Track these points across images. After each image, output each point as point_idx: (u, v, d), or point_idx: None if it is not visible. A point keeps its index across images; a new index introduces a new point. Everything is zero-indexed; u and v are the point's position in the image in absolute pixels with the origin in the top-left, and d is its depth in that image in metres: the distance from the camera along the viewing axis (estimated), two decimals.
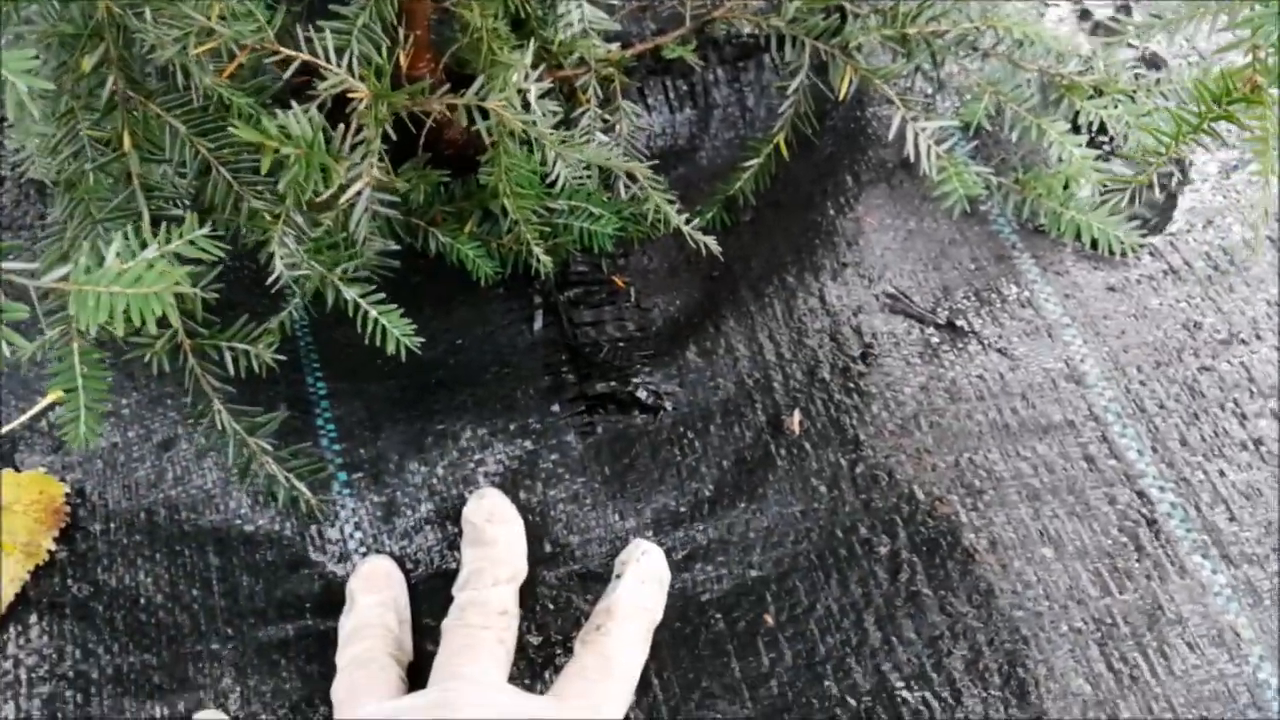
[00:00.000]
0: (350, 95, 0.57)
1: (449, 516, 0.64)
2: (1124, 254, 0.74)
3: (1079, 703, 0.59)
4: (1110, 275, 0.74)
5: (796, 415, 0.68)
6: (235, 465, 0.63)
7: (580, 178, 0.67)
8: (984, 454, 0.67)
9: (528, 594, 0.62)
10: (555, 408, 0.68)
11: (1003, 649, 0.60)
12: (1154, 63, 0.84)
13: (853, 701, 0.59)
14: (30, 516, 0.63)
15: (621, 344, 0.71)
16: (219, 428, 0.61)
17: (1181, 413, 0.68)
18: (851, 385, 0.69)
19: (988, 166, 0.73)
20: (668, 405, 0.68)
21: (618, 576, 0.61)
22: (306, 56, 0.55)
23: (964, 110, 0.78)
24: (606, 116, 0.72)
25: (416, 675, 0.59)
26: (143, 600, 0.62)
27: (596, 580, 0.63)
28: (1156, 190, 0.76)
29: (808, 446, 0.67)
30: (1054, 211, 0.73)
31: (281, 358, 0.62)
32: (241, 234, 0.61)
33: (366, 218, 0.63)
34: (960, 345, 0.71)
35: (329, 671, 0.59)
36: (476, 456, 0.66)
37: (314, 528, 0.64)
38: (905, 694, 0.59)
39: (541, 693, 0.58)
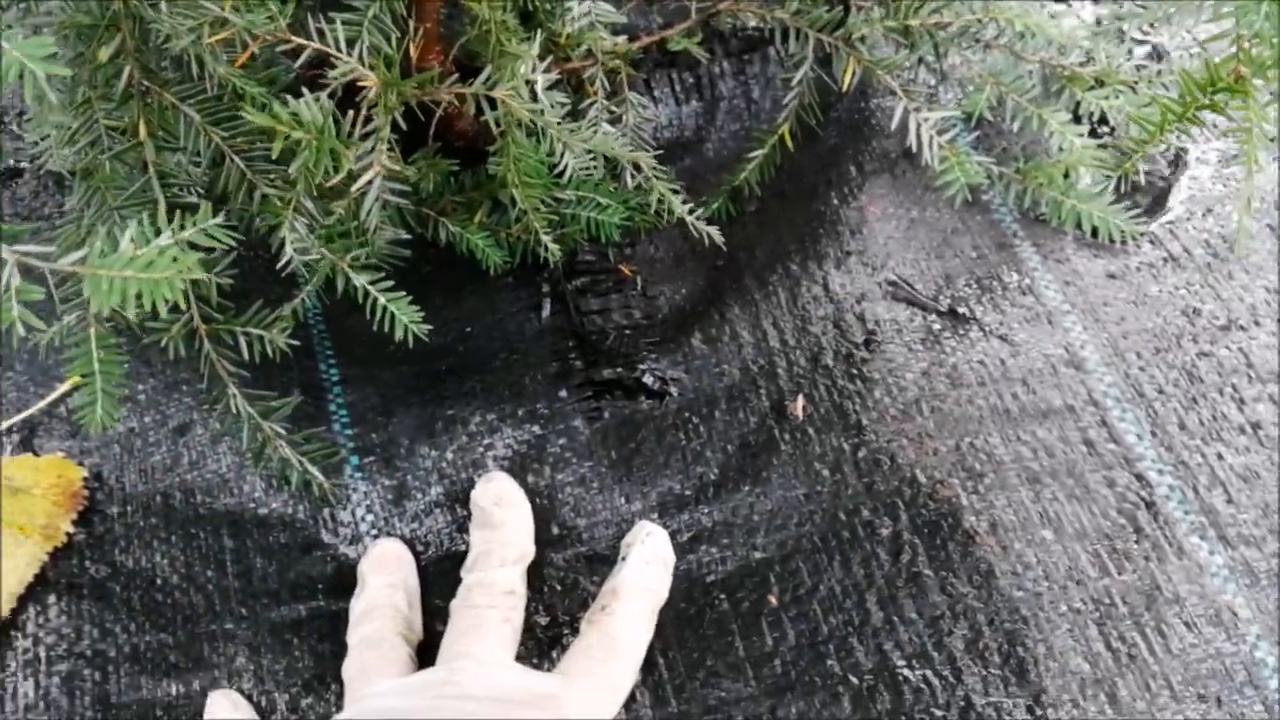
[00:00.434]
0: (360, 84, 0.58)
1: (458, 500, 0.66)
2: (1124, 242, 0.75)
3: (1077, 681, 0.60)
4: (1110, 263, 0.75)
5: (800, 400, 0.69)
6: (250, 450, 0.65)
7: (587, 168, 0.68)
8: (985, 438, 0.68)
9: (535, 575, 0.63)
10: (563, 393, 0.69)
11: (1002, 628, 0.61)
12: (1157, 54, 0.85)
13: (855, 680, 0.60)
14: (49, 500, 0.65)
15: (628, 331, 0.72)
16: (234, 412, 0.63)
17: (1180, 397, 0.69)
18: (854, 371, 0.70)
19: (989, 156, 0.74)
20: (673, 391, 0.69)
21: (623, 558, 0.62)
22: (318, 46, 0.56)
23: (966, 101, 0.79)
24: (613, 108, 0.73)
25: (426, 655, 0.60)
26: (159, 581, 0.63)
27: (603, 562, 0.64)
28: (1142, 177, 0.77)
29: (811, 431, 0.68)
30: (1054, 200, 0.74)
31: (295, 343, 0.64)
32: (255, 222, 0.62)
33: (377, 206, 0.64)
34: (962, 332, 0.72)
35: (340, 651, 0.60)
36: (485, 441, 0.67)
37: (326, 511, 0.65)
38: (907, 672, 0.60)
39: (548, 671, 0.59)
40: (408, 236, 0.68)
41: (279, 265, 0.61)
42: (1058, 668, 0.60)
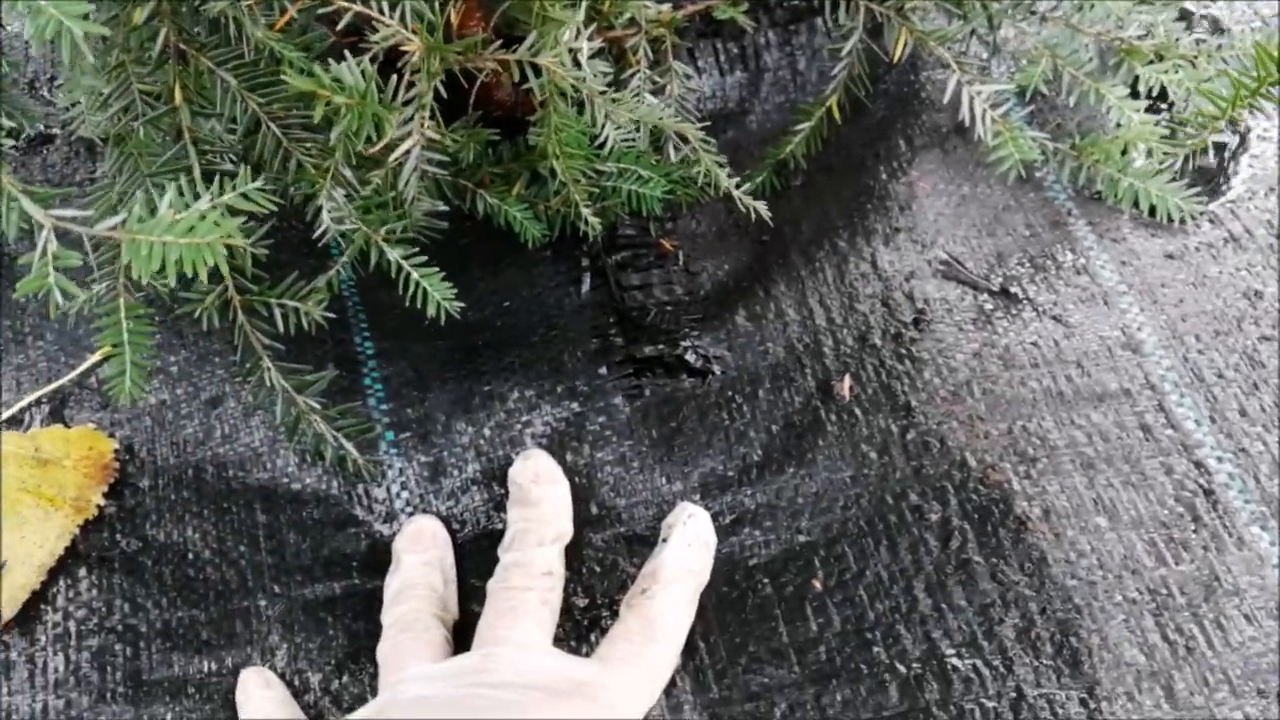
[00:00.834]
0: (402, 49, 0.56)
1: (495, 477, 0.64)
2: (1182, 221, 0.73)
3: (1132, 673, 0.58)
4: (1168, 243, 0.73)
5: (847, 380, 0.67)
6: (283, 423, 0.63)
7: (629, 140, 0.66)
8: (1038, 422, 0.66)
9: (574, 556, 0.61)
10: (602, 370, 0.67)
11: (1055, 618, 0.60)
12: (1218, 28, 0.82)
13: (902, 668, 0.58)
14: (80, 472, 0.64)
15: (669, 307, 0.70)
16: (267, 385, 0.61)
17: (1241, 382, 0.67)
18: (903, 351, 0.68)
19: (1043, 132, 0.72)
20: (716, 369, 0.68)
21: (664, 540, 0.61)
22: (360, 8, 0.54)
23: (1020, 75, 0.77)
24: (656, 78, 0.71)
25: (462, 635, 0.59)
26: (190, 556, 0.62)
27: (643, 543, 0.62)
28: (1211, 155, 0.74)
29: (858, 412, 0.66)
30: (1111, 178, 0.72)
31: (331, 315, 0.62)
32: (290, 192, 0.61)
33: (415, 176, 0.63)
34: (1014, 312, 0.70)
35: (375, 630, 0.59)
36: (523, 418, 0.66)
37: (360, 487, 0.64)
38: (955, 661, 0.58)
39: (586, 655, 0.58)
40: (445, 208, 0.66)
41: (314, 236, 0.59)
42: (1112, 659, 0.58)
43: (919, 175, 0.76)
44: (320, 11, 0.56)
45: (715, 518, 0.62)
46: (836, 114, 0.73)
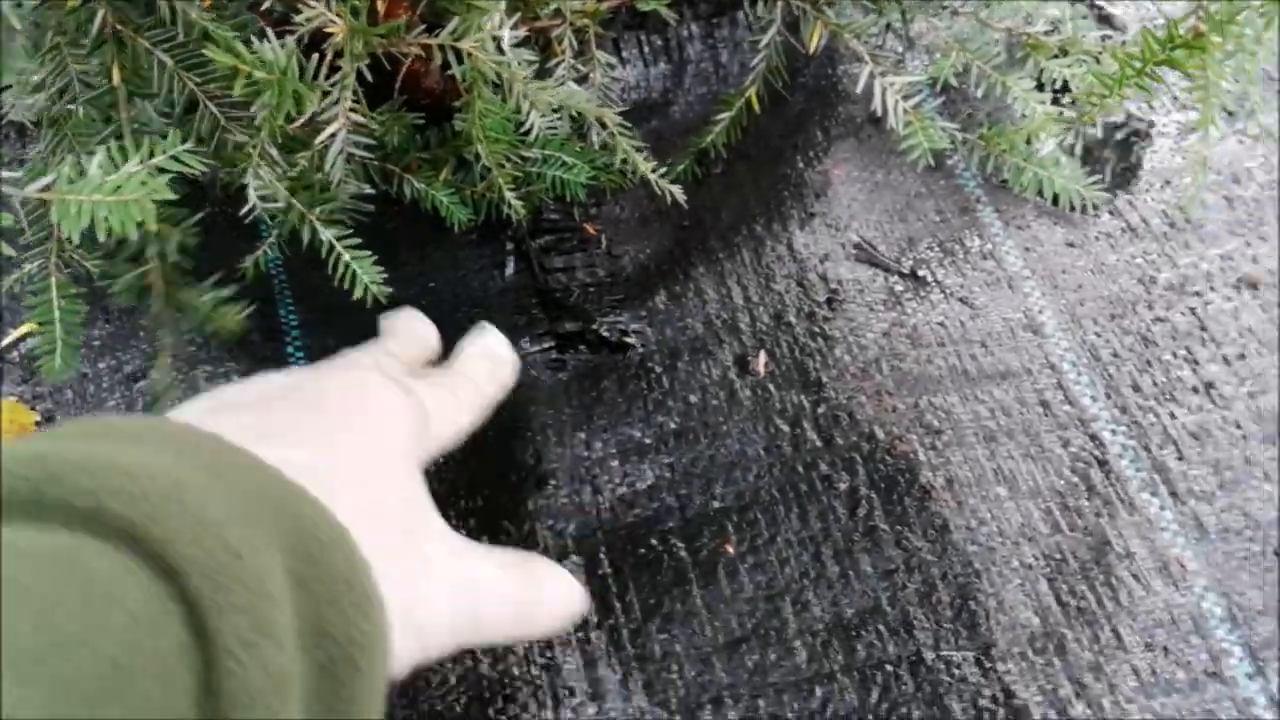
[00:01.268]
0: (327, 31, 0.58)
1: None
2: (1084, 210, 0.76)
3: (1027, 634, 0.61)
4: (1070, 232, 0.76)
5: (762, 356, 0.70)
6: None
7: (553, 126, 0.68)
8: (943, 397, 0.68)
9: (492, 523, 0.63)
10: (525, 343, 0.69)
11: (955, 583, 0.62)
12: (1117, 25, 0.86)
13: (809, 631, 0.61)
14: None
15: (592, 289, 0.73)
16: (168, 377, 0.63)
17: (1135, 360, 0.70)
18: (816, 329, 0.71)
19: (954, 122, 0.74)
20: (636, 344, 0.70)
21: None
22: None
23: (932, 67, 0.80)
24: (580, 67, 0.73)
25: None
26: None
27: (562, 512, 0.64)
28: (1100, 131, 0.78)
29: (772, 386, 0.68)
30: (1017, 167, 0.75)
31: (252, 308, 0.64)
32: (219, 176, 0.62)
33: (341, 159, 0.64)
34: (923, 294, 0.73)
35: None
36: None
37: None
38: (860, 626, 0.61)
39: None
40: (372, 191, 0.68)
41: (242, 213, 0.61)
42: (1008, 621, 0.61)
43: (834, 163, 0.78)
44: None
45: (633, 483, 0.65)
46: (756, 105, 0.75)
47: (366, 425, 0.47)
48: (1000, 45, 0.75)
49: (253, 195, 0.61)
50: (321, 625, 0.33)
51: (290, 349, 0.69)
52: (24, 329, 0.69)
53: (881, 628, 0.61)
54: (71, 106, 0.59)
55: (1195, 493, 0.65)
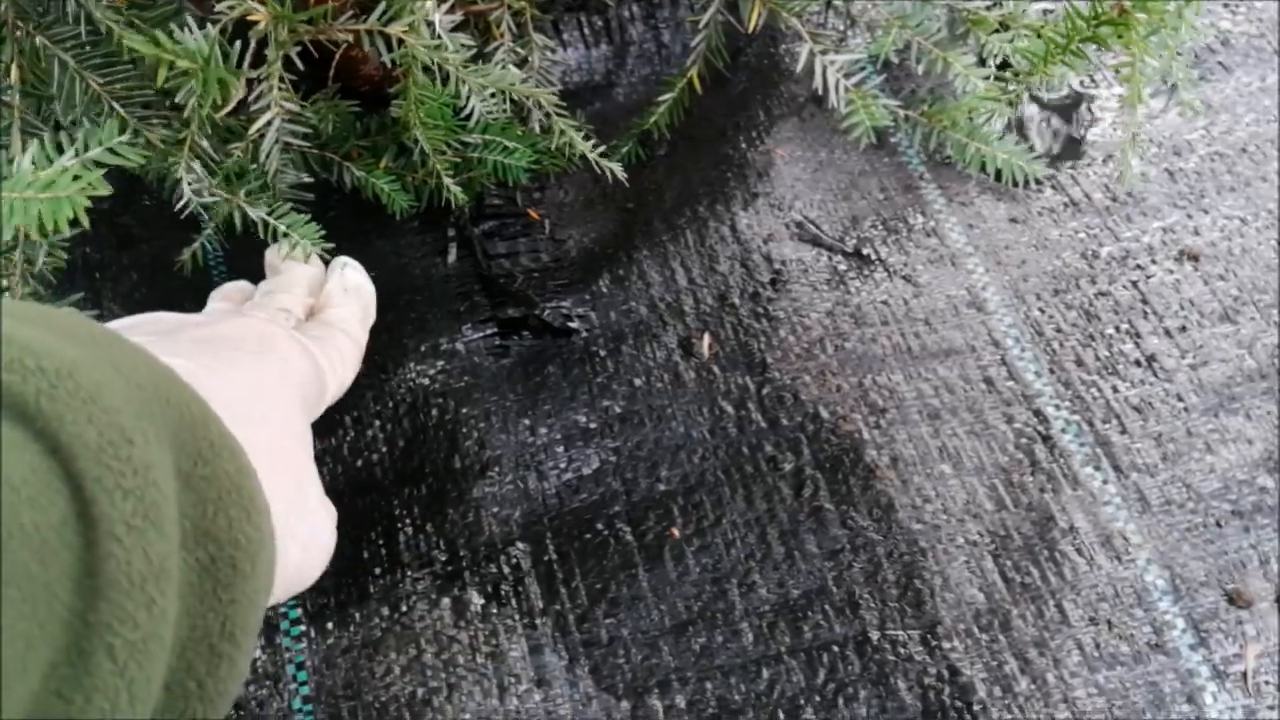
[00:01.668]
0: (250, 19, 0.57)
1: (361, 432, 0.65)
2: (1026, 185, 0.76)
3: (972, 611, 0.61)
4: (1012, 208, 0.76)
5: (707, 338, 0.69)
6: None
7: (493, 111, 0.68)
8: (887, 375, 0.68)
9: (436, 510, 0.63)
10: (467, 329, 0.69)
11: (900, 562, 0.62)
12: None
13: (756, 613, 0.61)
14: None
15: (535, 274, 0.72)
16: None
17: (1078, 335, 0.70)
18: (760, 310, 0.71)
19: (896, 100, 0.75)
20: (580, 328, 0.70)
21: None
22: None
23: (873, 45, 0.80)
24: (519, 50, 0.72)
25: None
26: None
27: (507, 499, 0.64)
28: (1049, 124, 0.78)
29: (716, 369, 0.68)
30: (959, 143, 0.75)
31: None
32: (145, 168, 0.61)
33: (277, 149, 0.63)
34: (866, 272, 0.72)
35: None
36: (388, 376, 0.67)
37: None
38: (806, 607, 0.61)
39: (437, 618, 0.59)
40: (310, 180, 0.68)
41: (176, 209, 0.60)
42: (954, 599, 0.61)
43: (777, 143, 0.78)
44: None
45: (578, 467, 0.64)
46: (698, 85, 0.75)
47: (268, 368, 0.48)
48: (941, 21, 0.75)
49: (186, 190, 0.60)
50: (205, 525, 0.33)
51: None
52: None
53: (828, 608, 0.61)
54: None
55: (1138, 466, 0.65)
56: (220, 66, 0.53)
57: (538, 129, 0.72)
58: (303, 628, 0.60)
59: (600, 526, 0.63)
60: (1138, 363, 0.69)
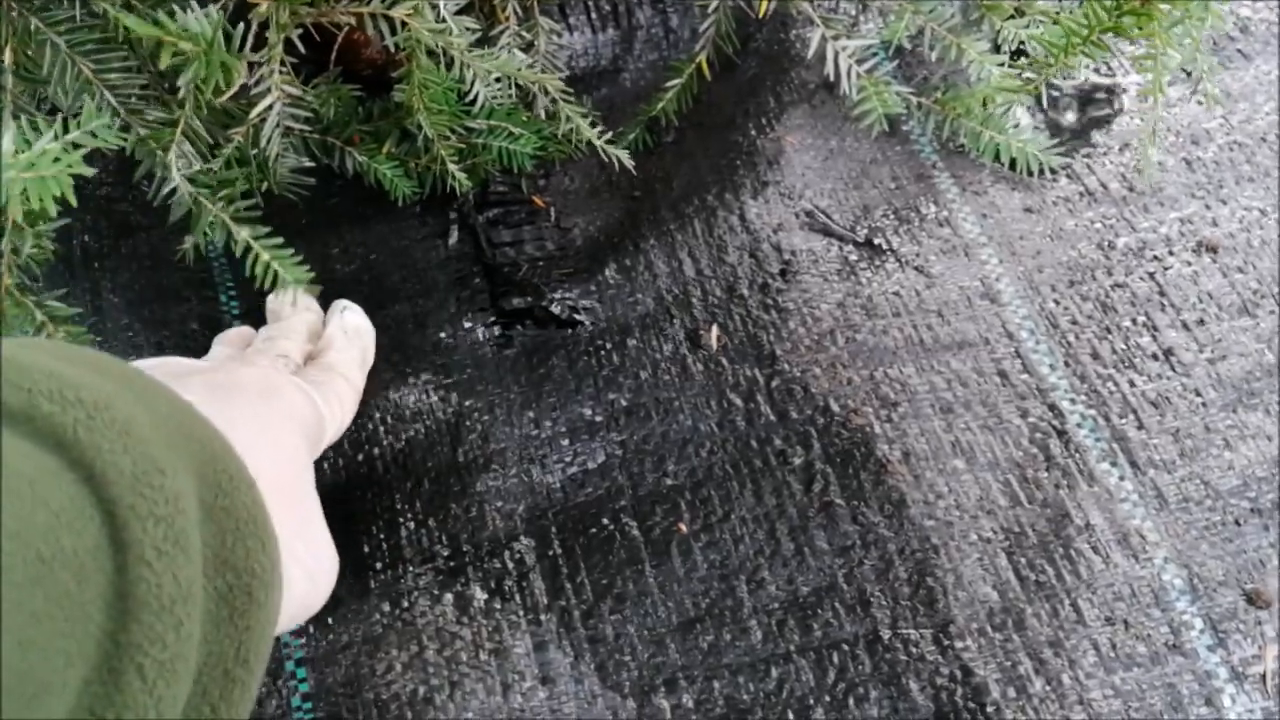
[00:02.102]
0: (251, 1, 0.56)
1: (363, 426, 0.64)
2: (1041, 173, 0.75)
3: (985, 609, 0.60)
4: (1027, 197, 0.74)
5: (715, 330, 0.68)
6: None
7: (499, 96, 0.66)
8: (899, 368, 0.67)
9: (439, 504, 0.62)
10: (468, 322, 0.68)
11: (913, 558, 0.61)
12: None
13: (764, 611, 0.60)
14: None
15: (540, 263, 0.71)
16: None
17: (1094, 328, 0.69)
18: (770, 301, 0.69)
19: (909, 86, 0.73)
20: (585, 320, 0.68)
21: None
22: None
23: (886, 30, 0.78)
24: (524, 34, 0.71)
25: None
26: None
27: (511, 493, 0.63)
28: (1044, 100, 0.77)
29: (725, 361, 0.67)
30: (973, 131, 0.73)
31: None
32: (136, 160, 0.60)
33: (278, 133, 0.62)
34: (878, 263, 0.71)
35: None
36: (389, 369, 0.66)
37: None
38: (816, 604, 0.60)
39: (445, 615, 0.58)
40: (311, 165, 0.66)
41: (155, 202, 0.59)
42: (966, 597, 0.60)
43: (787, 130, 0.77)
44: None
45: (584, 462, 0.63)
46: (707, 71, 0.74)
47: (274, 410, 0.51)
48: (955, 6, 0.74)
49: (176, 176, 0.59)
50: (224, 555, 0.35)
51: None
52: None
53: (838, 606, 0.60)
54: None
55: (1155, 462, 0.64)
56: (223, 50, 0.52)
57: (543, 115, 0.71)
58: (302, 624, 0.59)
59: (606, 521, 0.62)
60: (1155, 356, 0.67)
